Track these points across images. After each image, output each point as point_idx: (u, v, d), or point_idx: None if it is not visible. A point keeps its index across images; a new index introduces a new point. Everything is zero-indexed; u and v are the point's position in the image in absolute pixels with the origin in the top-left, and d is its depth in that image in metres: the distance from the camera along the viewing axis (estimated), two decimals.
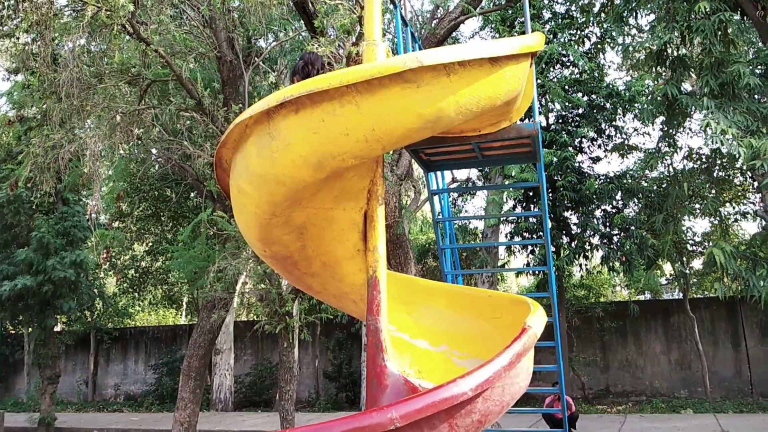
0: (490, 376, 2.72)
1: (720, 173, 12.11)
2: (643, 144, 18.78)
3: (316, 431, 2.59)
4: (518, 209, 15.24)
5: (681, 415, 13.30)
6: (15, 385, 21.74)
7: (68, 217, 13.98)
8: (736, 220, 15.87)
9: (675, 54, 10.27)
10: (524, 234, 14.87)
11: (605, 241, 14.49)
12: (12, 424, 15.17)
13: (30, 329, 16.96)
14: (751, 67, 9.01)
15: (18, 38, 8.36)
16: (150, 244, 19.52)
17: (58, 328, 18.25)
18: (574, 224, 14.78)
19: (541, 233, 14.56)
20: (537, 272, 16.10)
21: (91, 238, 14.67)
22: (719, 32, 9.14)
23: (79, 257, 13.58)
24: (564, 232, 14.48)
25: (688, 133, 15.58)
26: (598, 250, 14.66)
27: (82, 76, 7.59)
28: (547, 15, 15.00)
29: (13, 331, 21.45)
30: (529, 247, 15.45)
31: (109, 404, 19.71)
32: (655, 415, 13.59)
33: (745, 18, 9.84)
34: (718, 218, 13.26)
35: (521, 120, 4.81)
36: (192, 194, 17.10)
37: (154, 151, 11.59)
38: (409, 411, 2.57)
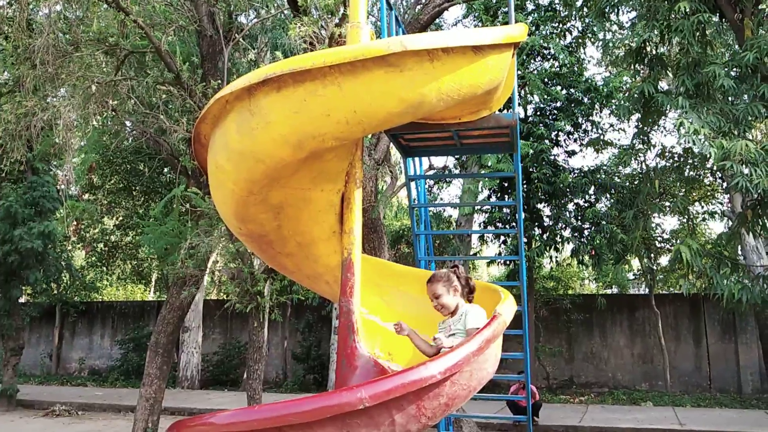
0: (459, 360, 2.76)
1: (691, 172, 12.33)
2: (618, 140, 19.02)
3: (286, 407, 2.61)
4: (493, 199, 15.35)
5: (641, 407, 13.62)
6: None
7: (37, 187, 13.71)
8: (704, 219, 16.22)
9: (653, 52, 10.39)
10: (497, 224, 15.01)
11: (576, 234, 14.70)
12: None
13: None
14: (726, 69, 9.15)
15: None
16: (120, 218, 19.27)
17: (22, 300, 17.96)
18: (547, 216, 14.95)
19: (514, 224, 14.71)
20: (508, 262, 16.29)
21: (60, 209, 14.43)
22: (697, 33, 9.27)
23: (47, 228, 13.36)
24: (536, 223, 14.64)
25: (662, 132, 15.81)
26: (568, 243, 14.85)
27: (58, 44, 7.41)
28: (530, 6, 15.04)
29: None
30: (502, 238, 15.60)
31: (73, 378, 19.50)
32: (617, 406, 13.90)
33: (723, 20, 9.99)
34: (686, 216, 13.54)
35: (501, 110, 4.84)
36: (165, 170, 16.89)
37: (128, 123, 11.39)
38: (378, 392, 2.61)
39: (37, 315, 19.80)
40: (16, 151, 8.12)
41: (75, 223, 16.81)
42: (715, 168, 12.01)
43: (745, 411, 12.91)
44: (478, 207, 15.73)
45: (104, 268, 20.99)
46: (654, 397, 14.53)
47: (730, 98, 9.72)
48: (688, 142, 8.46)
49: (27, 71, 7.71)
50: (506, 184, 14.90)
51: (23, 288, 15.17)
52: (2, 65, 10.13)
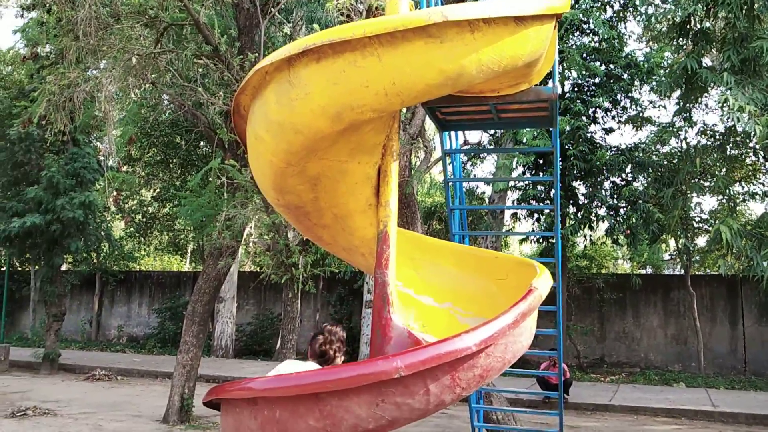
0: (495, 333, 2.77)
1: (733, 151, 12.02)
2: (658, 117, 18.59)
3: (324, 375, 2.66)
4: (527, 176, 15.21)
5: (673, 388, 13.50)
6: (20, 321, 22.15)
7: (78, 159, 14.02)
8: (744, 200, 15.82)
9: (698, 26, 10.09)
10: (531, 201, 14.88)
11: (611, 213, 14.49)
12: (17, 358, 15.52)
13: (37, 267, 17.21)
14: None
15: None
16: (158, 190, 19.61)
17: (64, 268, 18.48)
18: (582, 194, 14.76)
19: (548, 201, 14.56)
20: (540, 241, 16.15)
21: (100, 180, 14.75)
22: (745, 6, 8.97)
23: (88, 198, 13.68)
24: (571, 201, 14.48)
25: (704, 109, 15.40)
26: (603, 222, 14.67)
27: (100, 16, 7.52)
28: None
29: (20, 268, 21.75)
30: (535, 215, 15.47)
31: (111, 344, 20.09)
32: (648, 386, 13.80)
33: None
34: (726, 197, 13.22)
35: (540, 84, 4.78)
36: (202, 143, 17.09)
37: (166, 96, 11.54)
38: (413, 362, 2.63)
39: (78, 283, 20.38)
40: (59, 122, 8.30)
41: (114, 194, 17.16)
42: (758, 147, 11.69)
43: None
44: (512, 184, 15.59)
45: (142, 239, 21.44)
46: (687, 379, 14.37)
47: None
48: (732, 120, 8.24)
49: (69, 43, 7.84)
50: (541, 161, 14.72)
51: (65, 256, 15.59)
52: (46, 37, 10.32)
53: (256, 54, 8.19)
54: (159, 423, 9.42)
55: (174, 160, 18.15)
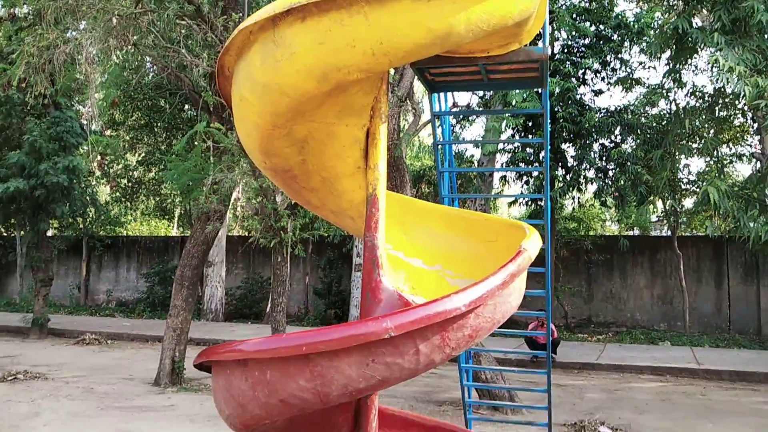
0: (484, 293, 2.78)
1: (722, 112, 12.02)
2: (647, 79, 18.51)
3: (314, 336, 2.66)
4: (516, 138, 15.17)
5: (659, 347, 13.75)
6: (8, 287, 22.09)
7: (61, 123, 13.79)
8: (731, 162, 15.90)
9: None
10: (520, 164, 14.87)
11: (600, 175, 14.53)
12: (5, 323, 15.52)
13: (22, 233, 17.08)
14: (765, 4, 8.78)
15: None
16: (143, 154, 19.40)
17: (50, 233, 18.35)
18: (571, 157, 14.76)
19: (537, 164, 14.56)
20: (529, 203, 16.20)
21: (84, 145, 14.54)
22: None
23: (71, 163, 13.51)
24: (560, 164, 14.48)
25: (693, 70, 15.36)
26: (592, 184, 14.71)
27: None
28: None
29: (5, 234, 21.59)
30: (524, 178, 15.48)
31: (101, 309, 20.11)
32: (634, 345, 14.05)
33: None
34: (714, 158, 13.27)
35: (530, 44, 4.71)
36: (186, 106, 16.85)
37: (148, 59, 11.31)
38: (403, 322, 2.64)
39: (65, 248, 20.27)
40: (39, 85, 8.12)
41: (99, 158, 16.96)
42: (747, 108, 11.69)
43: (763, 352, 12.97)
44: (501, 147, 15.55)
45: (128, 204, 21.29)
46: (672, 337, 14.64)
47: (767, 35, 9.36)
48: (722, 81, 8.21)
49: (47, 3, 7.63)
50: (530, 124, 14.66)
51: (50, 222, 15.46)
52: None
53: (240, 14, 8.02)
54: (150, 386, 9.50)
55: (159, 124, 17.91)
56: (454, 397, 8.80)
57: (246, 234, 21.24)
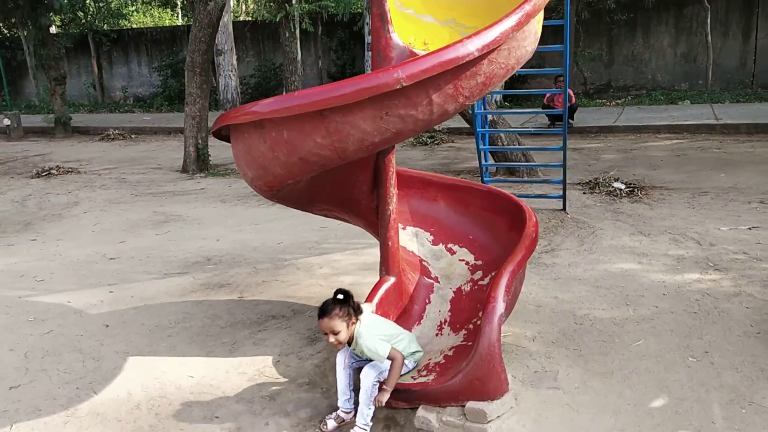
0: (497, 36, 2.67)
1: None
2: None
3: (325, 91, 2.65)
4: None
5: (678, 106, 13.64)
6: (24, 89, 22.09)
7: None
8: None
9: None
10: None
11: None
12: (29, 125, 15.77)
13: (26, 32, 16.62)
14: None
15: None
16: None
17: (54, 30, 17.84)
18: None
19: None
20: None
21: None
22: None
23: None
24: None
25: None
26: None
27: None
28: None
29: (8, 34, 21.05)
30: None
31: (119, 106, 20.22)
32: (653, 107, 13.94)
33: None
34: None
35: None
36: None
37: None
38: (415, 71, 2.59)
39: (72, 46, 19.83)
40: None
41: None
42: None
43: None
44: None
45: None
46: (693, 96, 14.45)
47: None
48: None
49: None
50: None
51: (51, 17, 14.92)
52: None
53: None
54: (179, 173, 9.85)
55: None
56: (471, 166, 9.02)
57: (252, 19, 20.45)
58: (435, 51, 2.65)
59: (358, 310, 2.91)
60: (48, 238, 6.49)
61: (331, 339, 2.82)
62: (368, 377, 2.83)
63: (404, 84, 2.58)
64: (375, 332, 2.91)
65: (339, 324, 2.81)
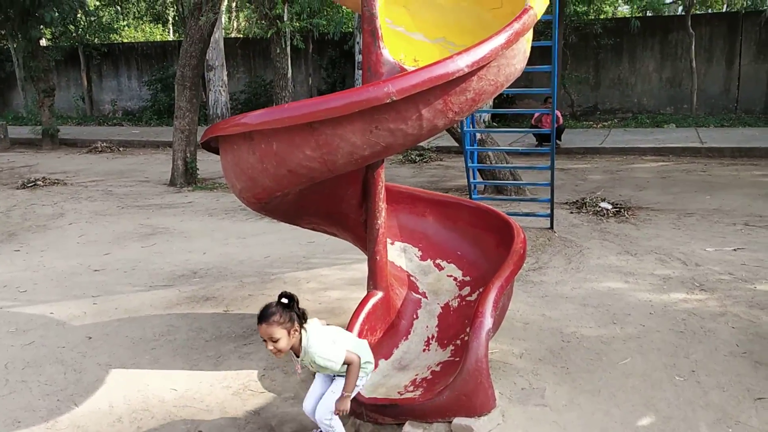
0: (487, 53, 2.70)
1: None
2: None
3: (316, 104, 2.65)
4: None
5: (663, 129, 13.81)
6: (12, 100, 21.98)
7: None
8: None
9: None
10: None
11: None
12: (16, 136, 15.66)
13: (15, 44, 16.57)
14: None
15: None
16: None
17: (44, 43, 17.81)
18: None
19: None
20: None
21: None
22: None
23: None
24: None
25: None
26: None
27: None
28: None
29: None
30: None
31: (108, 119, 20.14)
32: (639, 129, 14.11)
33: None
34: None
35: None
36: None
37: None
38: (405, 86, 2.60)
39: (62, 59, 19.80)
40: None
41: None
42: None
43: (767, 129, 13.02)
44: None
45: (119, 8, 20.35)
46: (678, 120, 14.64)
47: None
48: None
49: None
50: None
51: (41, 29, 14.90)
52: None
53: None
54: (166, 186, 9.80)
55: None
56: (459, 184, 9.05)
57: (243, 35, 20.54)
58: (425, 66, 2.67)
59: (303, 317, 2.66)
60: (32, 249, 6.42)
61: (270, 347, 2.57)
62: (322, 413, 2.69)
63: (394, 98, 2.59)
64: (325, 339, 2.70)
65: (278, 331, 2.54)
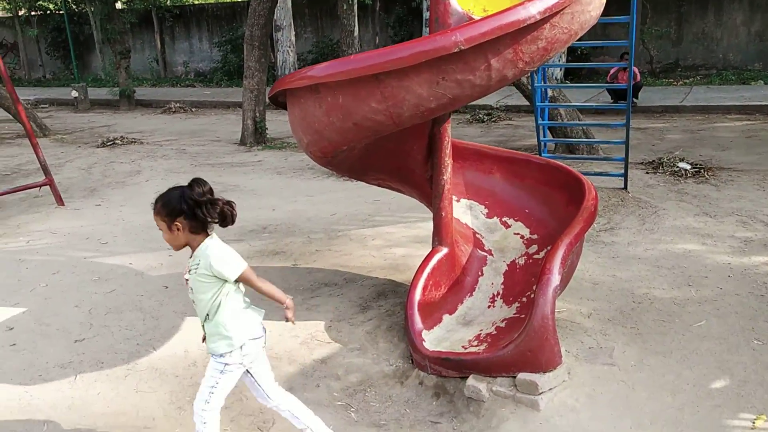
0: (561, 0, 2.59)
1: None
2: None
3: (381, 55, 2.62)
4: None
5: (751, 86, 13.00)
6: (91, 63, 22.80)
7: None
8: None
9: None
10: None
11: None
12: (95, 97, 16.29)
13: (93, 7, 17.12)
14: None
15: None
16: None
17: (119, 6, 18.29)
18: None
19: None
20: None
21: None
22: None
23: None
24: None
25: None
26: None
27: None
28: None
29: (76, 9, 21.73)
30: None
31: (180, 80, 20.63)
32: (723, 86, 13.34)
33: None
34: None
35: None
36: None
37: None
38: (473, 34, 2.53)
39: (136, 21, 20.31)
40: None
41: None
42: None
43: None
44: None
45: None
46: (767, 77, 13.74)
47: None
48: None
49: None
50: None
51: None
52: None
53: None
54: (237, 145, 10.00)
55: None
56: (529, 144, 8.84)
57: None
58: (495, 14, 2.59)
59: (202, 222, 2.22)
60: (112, 203, 6.71)
61: (165, 236, 2.28)
62: (197, 403, 2.36)
63: (462, 47, 2.52)
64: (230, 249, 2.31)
65: (158, 221, 2.24)
